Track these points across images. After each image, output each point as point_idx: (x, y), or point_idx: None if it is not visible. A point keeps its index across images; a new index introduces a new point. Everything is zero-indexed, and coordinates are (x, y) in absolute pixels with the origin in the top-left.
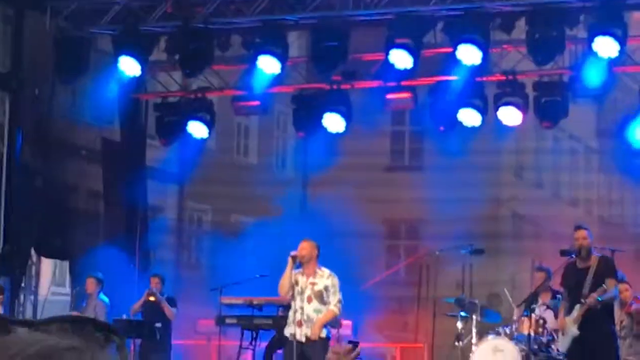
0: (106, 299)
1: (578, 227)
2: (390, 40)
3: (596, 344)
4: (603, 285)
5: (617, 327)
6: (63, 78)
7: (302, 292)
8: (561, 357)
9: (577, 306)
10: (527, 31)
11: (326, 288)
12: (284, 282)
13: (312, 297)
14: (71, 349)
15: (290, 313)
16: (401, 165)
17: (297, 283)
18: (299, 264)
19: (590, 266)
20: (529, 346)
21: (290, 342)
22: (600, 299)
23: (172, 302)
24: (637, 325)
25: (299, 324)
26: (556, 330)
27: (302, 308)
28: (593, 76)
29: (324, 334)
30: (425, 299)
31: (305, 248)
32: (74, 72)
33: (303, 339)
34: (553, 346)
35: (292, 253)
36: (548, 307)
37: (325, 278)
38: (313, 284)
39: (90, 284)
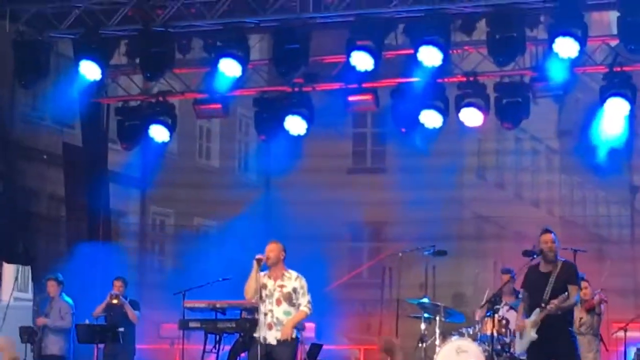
0: (70, 300)
1: (545, 231)
2: (352, 43)
3: (555, 347)
4: (565, 293)
5: (577, 324)
6: (23, 82)
7: (270, 295)
8: (524, 357)
9: (537, 310)
10: (487, 32)
11: (295, 290)
12: (250, 286)
13: (281, 299)
14: None
15: (260, 317)
16: (363, 167)
17: (265, 287)
18: (265, 266)
19: (552, 271)
20: (492, 346)
21: (257, 344)
22: (567, 306)
23: (135, 305)
24: (597, 316)
25: (269, 327)
26: None
27: (271, 311)
28: (554, 77)
29: (294, 334)
30: (389, 300)
31: (273, 250)
32: (35, 76)
33: (274, 342)
34: None
35: (258, 256)
36: (511, 308)
37: (293, 280)
38: (281, 286)
39: (51, 287)
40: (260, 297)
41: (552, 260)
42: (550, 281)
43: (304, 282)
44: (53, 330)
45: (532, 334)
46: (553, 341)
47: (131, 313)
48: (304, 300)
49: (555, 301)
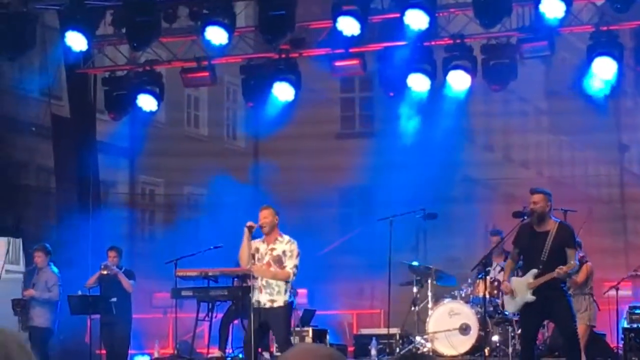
0: (56, 270)
1: (531, 191)
2: (338, 7)
3: (551, 308)
4: (572, 262)
5: None
6: (10, 54)
7: (262, 259)
8: (516, 319)
9: (534, 271)
10: None
11: (284, 252)
12: (243, 253)
13: (271, 262)
14: None
15: (254, 281)
16: (352, 132)
17: (257, 250)
18: (258, 232)
19: (549, 231)
20: (485, 308)
21: (254, 309)
22: (570, 272)
23: (130, 274)
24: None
25: (260, 290)
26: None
27: None
28: (540, 37)
29: (287, 298)
30: (380, 265)
31: (267, 217)
32: (21, 48)
33: (266, 305)
34: None
35: (248, 223)
36: (502, 269)
37: (284, 243)
38: (272, 249)
39: (39, 257)
40: (254, 261)
41: (542, 220)
42: (548, 242)
43: (294, 246)
44: (40, 302)
45: (528, 295)
46: (549, 302)
47: (126, 282)
48: (290, 263)
49: (565, 268)
